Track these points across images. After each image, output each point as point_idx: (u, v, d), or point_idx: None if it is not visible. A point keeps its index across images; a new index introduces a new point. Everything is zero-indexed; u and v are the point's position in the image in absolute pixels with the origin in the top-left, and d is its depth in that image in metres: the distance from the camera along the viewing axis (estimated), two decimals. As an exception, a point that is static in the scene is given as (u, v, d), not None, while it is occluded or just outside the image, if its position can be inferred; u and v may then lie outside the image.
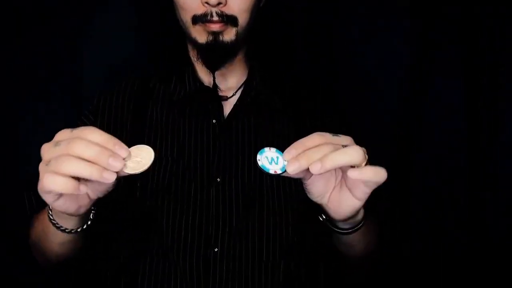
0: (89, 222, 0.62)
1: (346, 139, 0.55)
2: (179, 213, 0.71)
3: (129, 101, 0.79)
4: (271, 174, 0.54)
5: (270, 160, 0.55)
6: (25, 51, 1.03)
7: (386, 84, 1.13)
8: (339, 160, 0.50)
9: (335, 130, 0.82)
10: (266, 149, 0.56)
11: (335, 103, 0.90)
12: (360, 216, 0.62)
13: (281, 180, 0.74)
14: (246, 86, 0.80)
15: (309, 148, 0.52)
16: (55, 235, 0.63)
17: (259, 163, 0.55)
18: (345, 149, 0.51)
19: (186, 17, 0.73)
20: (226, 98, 0.79)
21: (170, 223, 0.71)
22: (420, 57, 1.14)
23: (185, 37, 0.79)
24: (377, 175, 0.52)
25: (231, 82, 0.81)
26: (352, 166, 0.52)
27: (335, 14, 1.13)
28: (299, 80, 0.88)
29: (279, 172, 0.54)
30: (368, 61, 1.13)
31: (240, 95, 0.79)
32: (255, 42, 0.81)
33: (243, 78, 0.81)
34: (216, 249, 0.71)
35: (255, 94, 0.79)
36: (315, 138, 0.53)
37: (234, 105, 0.78)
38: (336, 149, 0.51)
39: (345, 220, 0.61)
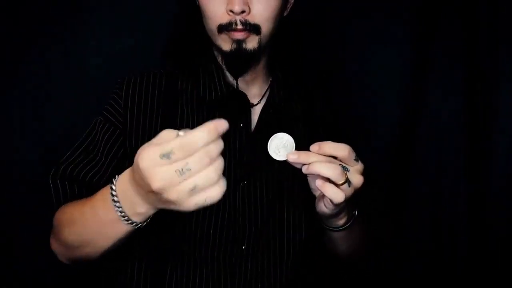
0: (148, 220, 0.60)
1: (358, 167, 0.66)
2: (208, 213, 0.74)
3: (158, 96, 0.80)
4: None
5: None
6: (26, 45, 1.03)
7: (386, 85, 1.14)
8: (317, 169, 0.63)
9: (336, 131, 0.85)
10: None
11: (334, 104, 0.92)
12: (340, 222, 0.74)
13: (297, 183, 0.79)
14: (270, 94, 0.83)
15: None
16: (117, 228, 0.60)
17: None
18: (328, 164, 0.63)
19: (212, 26, 0.75)
20: (252, 105, 0.81)
21: (199, 221, 0.74)
22: (420, 59, 1.14)
23: (211, 42, 0.81)
24: (333, 194, 0.63)
25: (254, 90, 0.82)
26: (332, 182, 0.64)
27: (337, 16, 1.13)
28: (301, 80, 0.89)
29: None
30: (369, 62, 1.14)
31: (265, 103, 0.82)
32: (277, 49, 0.83)
33: (265, 86, 0.84)
34: (243, 247, 0.75)
35: (279, 102, 0.82)
36: (341, 151, 0.64)
37: (260, 113, 0.81)
38: (327, 161, 0.64)
39: (327, 218, 0.73)
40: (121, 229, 0.59)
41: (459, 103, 1.12)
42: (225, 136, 0.77)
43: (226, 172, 0.76)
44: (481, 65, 1.10)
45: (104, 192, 0.60)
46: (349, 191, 0.65)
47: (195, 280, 0.74)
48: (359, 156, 0.66)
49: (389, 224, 1.12)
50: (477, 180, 1.11)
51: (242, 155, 0.78)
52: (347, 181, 0.64)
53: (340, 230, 0.75)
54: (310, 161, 0.63)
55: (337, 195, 0.63)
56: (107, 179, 0.73)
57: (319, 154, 0.64)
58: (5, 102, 1.03)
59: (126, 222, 0.58)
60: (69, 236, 0.68)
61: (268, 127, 0.80)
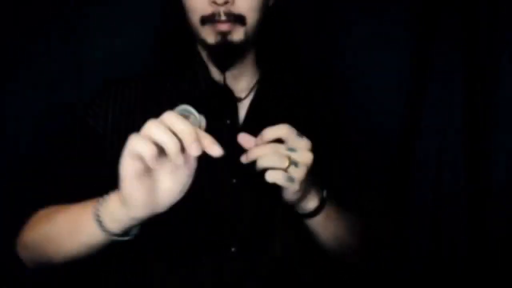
0: (128, 236, 0.60)
1: (303, 144, 0.64)
2: (195, 213, 0.72)
3: (141, 96, 0.78)
4: None
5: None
6: (25, 45, 1.03)
7: (386, 85, 1.13)
8: (259, 164, 0.63)
9: (332, 130, 0.85)
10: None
11: (333, 102, 0.91)
12: (310, 204, 0.70)
13: None
14: (259, 89, 0.80)
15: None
16: (91, 236, 0.60)
17: None
18: (266, 155, 0.62)
19: (195, 19, 0.73)
20: (240, 100, 0.79)
21: (188, 221, 0.71)
22: (420, 59, 1.14)
23: (195, 37, 0.79)
24: (285, 182, 0.62)
25: (241, 84, 0.80)
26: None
27: (337, 17, 1.13)
28: (301, 80, 0.88)
29: None
30: (369, 62, 1.13)
31: (253, 97, 0.80)
32: (265, 43, 0.81)
33: (254, 80, 0.81)
34: (233, 249, 0.73)
35: (268, 97, 0.80)
36: (279, 131, 0.63)
37: (248, 107, 0.79)
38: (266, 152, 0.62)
39: (296, 204, 0.70)
40: (94, 234, 0.59)
41: (459, 103, 1.12)
42: (212, 133, 0.77)
43: (214, 171, 0.73)
44: (481, 65, 1.09)
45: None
46: (300, 172, 0.63)
47: (183, 283, 0.71)
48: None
49: (389, 224, 1.12)
50: (477, 180, 1.11)
51: (229, 153, 0.76)
52: (292, 163, 0.62)
53: (315, 215, 0.71)
54: (257, 153, 0.63)
55: (288, 181, 0.62)
56: None
57: (264, 143, 0.63)
58: (4, 102, 1.03)
59: (100, 227, 0.58)
60: (37, 230, 0.70)
61: (257, 122, 0.77)
